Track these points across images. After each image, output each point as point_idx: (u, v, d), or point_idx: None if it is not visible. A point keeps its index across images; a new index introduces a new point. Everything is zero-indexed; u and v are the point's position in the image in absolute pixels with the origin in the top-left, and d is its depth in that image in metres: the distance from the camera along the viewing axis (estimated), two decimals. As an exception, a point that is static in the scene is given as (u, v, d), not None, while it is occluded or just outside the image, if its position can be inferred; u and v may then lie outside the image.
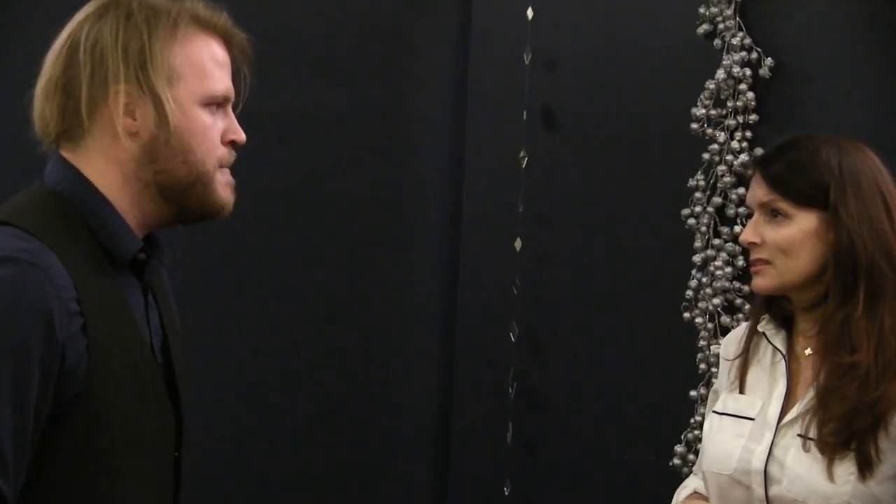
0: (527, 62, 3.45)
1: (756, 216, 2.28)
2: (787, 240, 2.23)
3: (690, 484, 2.44)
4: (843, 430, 2.16)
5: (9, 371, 1.67)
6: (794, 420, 2.23)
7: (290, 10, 3.58)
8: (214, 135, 1.86)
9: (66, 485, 1.74)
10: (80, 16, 1.85)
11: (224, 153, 1.89)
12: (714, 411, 2.36)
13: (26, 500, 1.72)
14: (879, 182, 2.24)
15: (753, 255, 2.27)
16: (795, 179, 2.23)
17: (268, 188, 3.56)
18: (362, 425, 3.64)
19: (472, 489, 3.53)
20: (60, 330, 1.70)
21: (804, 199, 2.23)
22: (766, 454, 2.22)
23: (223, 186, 1.89)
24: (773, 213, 2.25)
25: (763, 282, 2.27)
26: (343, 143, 3.64)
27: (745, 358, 2.35)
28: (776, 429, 2.24)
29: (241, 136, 1.90)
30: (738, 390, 2.34)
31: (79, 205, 1.82)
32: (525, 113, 3.46)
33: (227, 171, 1.90)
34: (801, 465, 2.19)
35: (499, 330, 3.48)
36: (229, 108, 1.90)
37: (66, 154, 1.85)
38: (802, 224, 2.23)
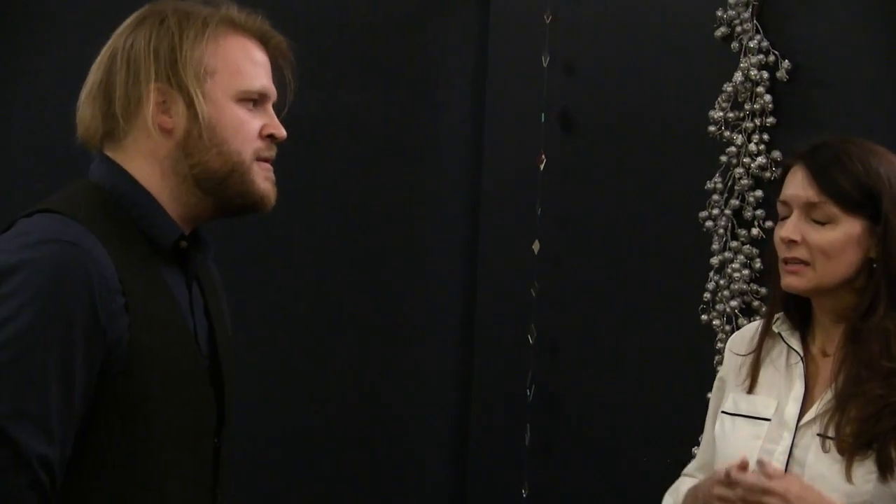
0: (545, 65, 3.46)
1: (797, 214, 2.23)
2: (832, 243, 2.20)
3: (682, 488, 2.39)
4: (863, 433, 2.16)
5: (55, 345, 1.75)
6: (813, 420, 2.23)
7: (308, 13, 3.59)
8: (250, 129, 1.92)
9: (108, 457, 1.82)
10: (121, 28, 1.95)
11: (261, 146, 1.94)
12: (724, 412, 2.35)
13: (71, 471, 1.79)
14: None
15: (790, 254, 2.23)
16: (849, 185, 2.20)
17: (284, 191, 3.55)
18: (381, 428, 3.65)
19: (490, 492, 3.53)
20: (101, 306, 1.78)
21: (854, 206, 2.20)
22: (787, 455, 2.22)
23: (262, 179, 1.95)
24: (818, 215, 2.22)
25: (799, 282, 2.23)
26: (361, 145, 3.65)
27: (758, 357, 2.34)
28: (795, 429, 2.24)
29: (281, 131, 1.96)
30: (748, 389, 2.33)
31: (120, 196, 1.89)
32: (543, 116, 3.47)
33: (267, 166, 1.96)
34: (822, 464, 2.19)
35: (517, 332, 3.48)
36: (269, 106, 1.96)
37: (109, 153, 1.92)
38: (847, 229, 2.21)
